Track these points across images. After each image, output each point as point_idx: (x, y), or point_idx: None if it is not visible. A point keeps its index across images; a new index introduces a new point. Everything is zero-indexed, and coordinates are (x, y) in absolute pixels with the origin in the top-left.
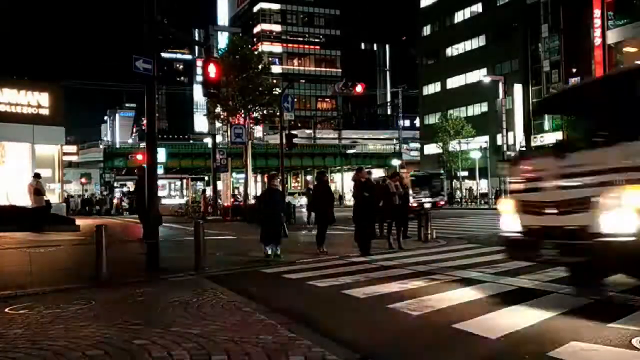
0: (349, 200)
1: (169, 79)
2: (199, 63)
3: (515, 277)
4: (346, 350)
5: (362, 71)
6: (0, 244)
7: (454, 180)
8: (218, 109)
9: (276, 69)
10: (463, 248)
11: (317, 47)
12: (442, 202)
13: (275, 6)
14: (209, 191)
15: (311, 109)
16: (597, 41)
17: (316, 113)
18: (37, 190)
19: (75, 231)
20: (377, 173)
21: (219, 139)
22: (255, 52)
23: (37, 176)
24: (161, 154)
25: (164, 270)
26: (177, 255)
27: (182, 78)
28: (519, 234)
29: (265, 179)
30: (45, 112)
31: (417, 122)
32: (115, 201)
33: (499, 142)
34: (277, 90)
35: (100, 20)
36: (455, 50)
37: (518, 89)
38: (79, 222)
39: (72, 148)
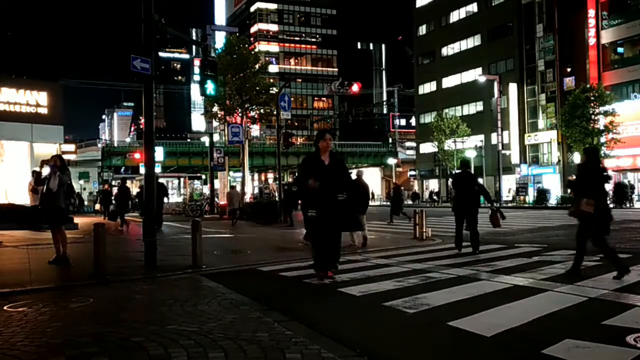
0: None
1: (167, 78)
2: (197, 62)
3: (510, 275)
4: (342, 347)
5: (358, 70)
6: None
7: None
8: (215, 108)
9: (273, 68)
10: None
11: (314, 46)
12: None
13: (272, 6)
14: (206, 189)
15: (308, 108)
16: (592, 41)
17: (313, 112)
18: (36, 188)
19: (73, 229)
20: (374, 172)
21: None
22: (252, 52)
23: (36, 174)
24: (159, 153)
25: (161, 268)
26: (175, 254)
27: (179, 77)
28: None
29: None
30: (43, 111)
31: (412, 121)
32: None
33: (494, 141)
34: (274, 90)
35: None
36: (450, 49)
37: (513, 88)
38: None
39: (71, 147)
